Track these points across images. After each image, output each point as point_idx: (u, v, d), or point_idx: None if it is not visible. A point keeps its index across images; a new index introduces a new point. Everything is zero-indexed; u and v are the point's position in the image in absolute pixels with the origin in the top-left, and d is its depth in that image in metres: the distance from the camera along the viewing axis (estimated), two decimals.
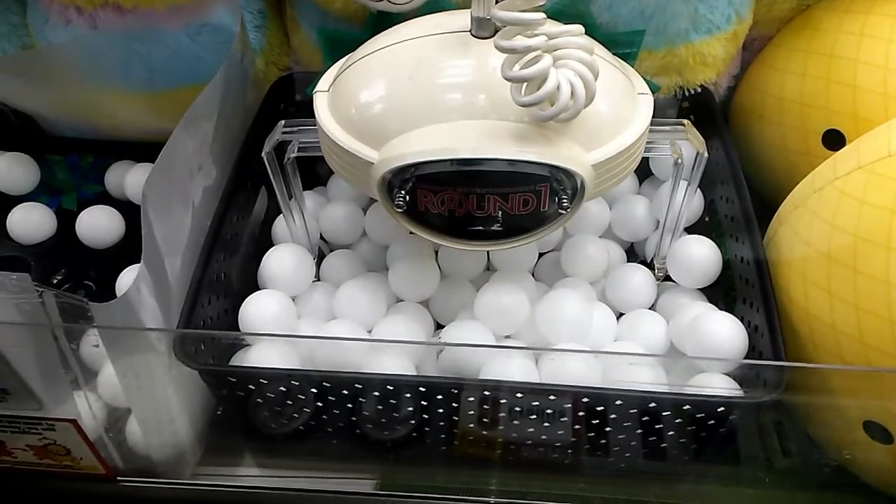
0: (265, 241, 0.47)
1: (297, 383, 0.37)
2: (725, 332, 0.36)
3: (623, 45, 0.43)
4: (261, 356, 0.36)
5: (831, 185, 0.35)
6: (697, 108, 0.48)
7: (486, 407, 0.37)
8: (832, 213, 0.34)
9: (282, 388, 0.37)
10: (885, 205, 0.31)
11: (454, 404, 0.36)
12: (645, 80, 0.45)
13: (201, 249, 0.40)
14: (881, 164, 0.32)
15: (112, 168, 0.54)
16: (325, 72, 0.46)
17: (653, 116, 0.47)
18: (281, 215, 0.47)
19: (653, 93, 0.45)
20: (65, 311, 0.30)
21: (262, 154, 0.38)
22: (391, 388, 0.37)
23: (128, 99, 0.49)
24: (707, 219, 0.46)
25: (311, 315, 0.43)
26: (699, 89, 0.47)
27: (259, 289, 0.42)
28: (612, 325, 0.42)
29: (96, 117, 0.52)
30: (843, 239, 0.33)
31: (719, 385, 0.35)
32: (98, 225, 0.50)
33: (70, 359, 0.32)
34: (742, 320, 0.38)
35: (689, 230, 0.45)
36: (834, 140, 0.42)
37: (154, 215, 0.35)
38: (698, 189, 0.45)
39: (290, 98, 0.50)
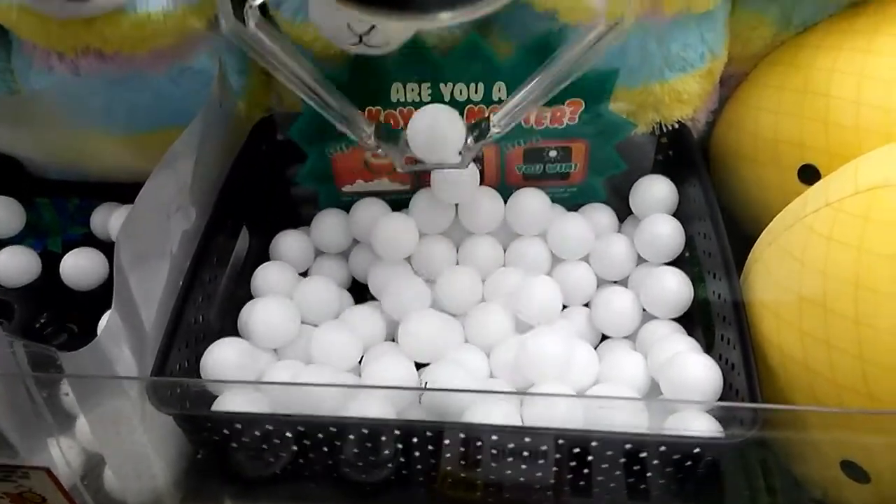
0: (246, 282, 0.47)
1: (271, 428, 0.36)
2: (700, 372, 0.36)
3: (598, 84, 0.44)
4: (230, 403, 0.36)
5: (801, 222, 0.35)
6: (675, 145, 0.48)
7: (467, 449, 0.37)
8: (801, 251, 0.34)
9: (257, 433, 0.37)
10: (851, 243, 0.31)
11: (435, 446, 0.36)
12: (621, 117, 0.46)
13: (177, 293, 0.40)
14: (848, 202, 0.32)
15: (97, 210, 0.54)
16: (305, 112, 0.47)
17: (632, 151, 0.48)
18: (264, 264, 0.47)
19: (630, 129, 0.46)
20: (34, 361, 0.30)
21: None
22: (370, 431, 0.36)
23: (111, 142, 0.49)
24: (687, 254, 0.46)
25: (294, 356, 0.44)
26: (676, 125, 0.47)
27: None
28: (594, 363, 0.42)
29: (81, 160, 0.53)
30: (813, 277, 0.33)
31: (697, 424, 0.35)
32: (82, 267, 0.51)
33: (42, 407, 0.32)
34: (720, 358, 0.38)
35: (670, 265, 0.45)
36: (810, 175, 0.42)
37: (129, 262, 0.35)
38: (678, 223, 0.46)
39: (271, 138, 0.51)
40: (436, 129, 0.41)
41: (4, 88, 0.50)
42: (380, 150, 0.42)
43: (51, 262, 0.52)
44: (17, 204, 0.54)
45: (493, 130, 0.41)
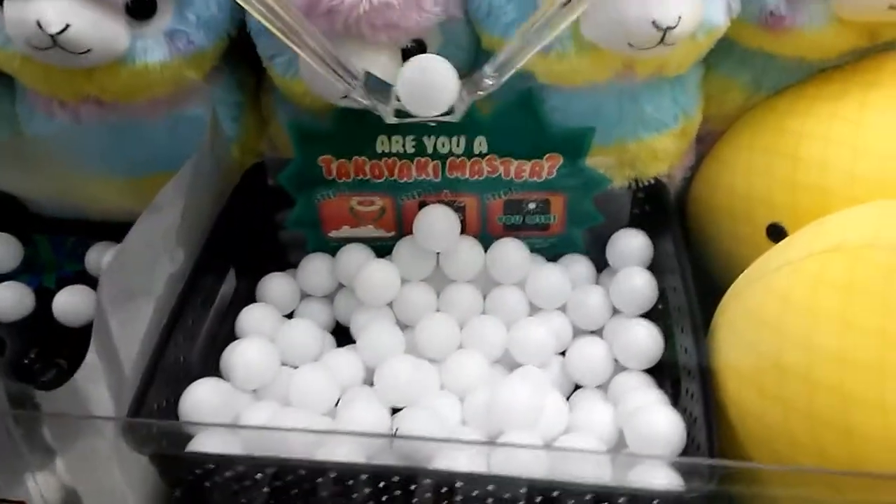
0: (232, 322, 0.48)
1: (245, 469, 0.37)
2: (663, 426, 0.37)
3: (574, 141, 0.45)
4: (205, 444, 0.37)
5: (761, 280, 0.36)
6: (651, 200, 0.49)
7: (435, 495, 0.38)
8: (760, 309, 0.35)
9: (231, 474, 0.38)
10: (804, 304, 0.32)
11: (404, 492, 0.37)
12: (598, 172, 0.47)
13: (159, 333, 0.41)
14: (803, 264, 0.34)
15: (92, 248, 0.56)
16: (295, 160, 0.48)
17: (609, 205, 0.50)
18: (249, 305, 0.49)
19: (606, 184, 0.48)
20: (13, 398, 0.31)
21: None
22: (341, 475, 0.37)
23: (109, 185, 0.51)
24: (660, 307, 0.47)
25: (273, 397, 0.45)
26: (653, 181, 0.49)
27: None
28: (563, 413, 0.42)
29: (80, 201, 0.54)
30: (769, 336, 0.34)
31: (658, 477, 0.36)
32: (73, 304, 0.52)
33: (19, 444, 0.33)
34: (684, 412, 0.39)
35: (645, 317, 0.46)
36: (777, 233, 0.43)
37: (111, 301, 0.37)
38: (651, 276, 0.47)
39: (262, 184, 0.52)
40: (428, 80, 0.39)
41: (8, 132, 0.52)
42: (367, 102, 0.40)
43: (45, 298, 0.53)
44: (16, 240, 0.55)
45: (487, 82, 0.40)
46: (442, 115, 0.40)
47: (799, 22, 0.42)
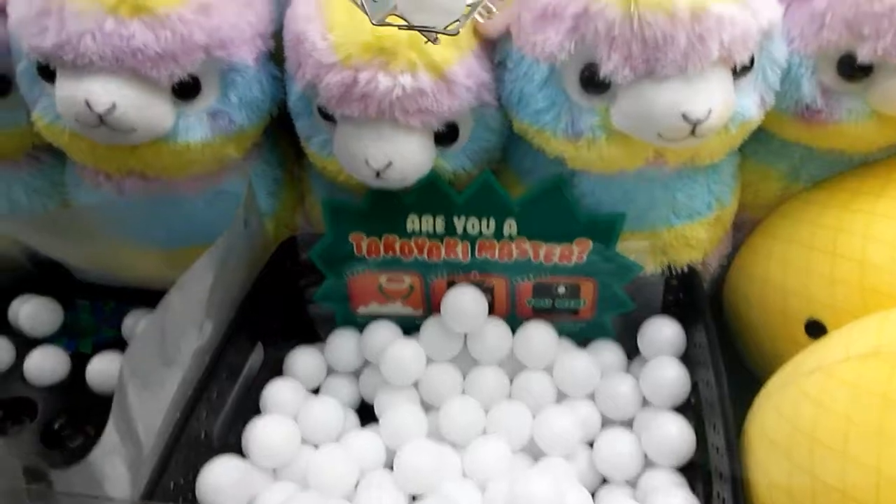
0: (258, 394, 0.48)
1: None
2: None
3: (604, 227, 0.45)
4: None
5: (795, 383, 0.35)
6: (685, 288, 0.48)
7: None
8: (793, 414, 0.33)
9: None
10: (842, 412, 0.31)
11: None
12: (629, 259, 0.46)
13: (183, 407, 0.41)
14: (839, 368, 0.32)
15: (129, 314, 0.57)
16: (327, 235, 0.49)
17: (641, 291, 0.49)
18: (274, 380, 0.49)
19: (637, 272, 0.47)
20: (28, 472, 0.31)
21: None
22: None
23: (148, 254, 0.52)
24: (692, 400, 0.45)
25: (292, 476, 0.44)
26: (686, 269, 0.48)
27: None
28: None
29: (120, 268, 0.56)
30: (803, 443, 0.32)
31: None
32: (106, 371, 0.53)
33: None
34: None
35: (677, 410, 0.45)
36: (816, 330, 0.42)
37: (136, 375, 0.37)
38: (684, 368, 0.45)
39: (294, 258, 0.53)
40: None
41: (58, 200, 0.54)
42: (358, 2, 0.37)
43: (80, 363, 0.54)
44: (57, 304, 0.57)
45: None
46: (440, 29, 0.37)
47: (836, 116, 0.41)
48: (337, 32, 0.41)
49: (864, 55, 0.39)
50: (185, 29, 0.41)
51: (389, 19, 0.37)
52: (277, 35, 0.47)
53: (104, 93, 0.41)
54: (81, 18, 0.40)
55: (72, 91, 0.41)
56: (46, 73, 0.43)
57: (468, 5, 0.37)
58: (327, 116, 0.44)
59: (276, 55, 0.47)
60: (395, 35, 0.40)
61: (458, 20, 0.37)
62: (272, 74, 0.47)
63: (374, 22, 0.37)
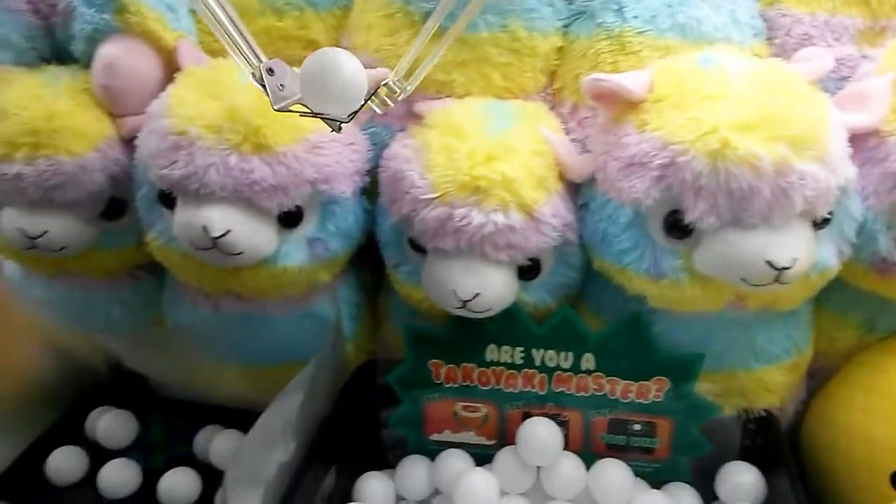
0: None
1: None
2: None
3: (682, 366, 0.46)
4: None
5: None
6: (763, 432, 0.48)
7: None
8: None
9: None
10: None
11: None
12: (706, 399, 0.47)
13: None
14: None
15: (202, 431, 0.58)
16: (406, 361, 0.50)
17: (718, 434, 0.49)
18: None
19: (715, 412, 0.47)
20: None
21: None
22: None
23: (232, 371, 0.55)
24: None
25: None
26: (764, 413, 0.48)
27: None
28: None
29: (202, 385, 0.58)
30: None
31: None
32: (179, 485, 0.53)
33: None
34: None
35: None
36: None
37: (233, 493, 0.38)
38: None
39: (371, 382, 0.54)
40: (336, 78, 0.37)
41: (150, 317, 0.57)
42: (260, 87, 0.39)
43: (151, 477, 0.55)
44: (133, 418, 0.58)
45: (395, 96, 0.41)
46: (340, 119, 0.39)
47: None
48: (436, 173, 0.44)
49: None
50: (297, 165, 0.45)
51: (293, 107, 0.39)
52: (371, 172, 0.51)
53: (221, 219, 0.44)
54: (209, 153, 0.44)
55: (191, 217, 0.45)
56: (167, 199, 0.47)
57: (366, 96, 0.38)
58: (418, 248, 0.47)
59: (368, 189, 0.51)
60: (489, 176, 0.43)
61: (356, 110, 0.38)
62: (364, 207, 0.51)
63: (275, 108, 0.39)
